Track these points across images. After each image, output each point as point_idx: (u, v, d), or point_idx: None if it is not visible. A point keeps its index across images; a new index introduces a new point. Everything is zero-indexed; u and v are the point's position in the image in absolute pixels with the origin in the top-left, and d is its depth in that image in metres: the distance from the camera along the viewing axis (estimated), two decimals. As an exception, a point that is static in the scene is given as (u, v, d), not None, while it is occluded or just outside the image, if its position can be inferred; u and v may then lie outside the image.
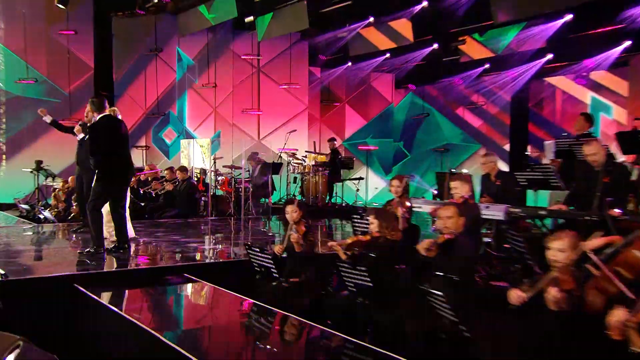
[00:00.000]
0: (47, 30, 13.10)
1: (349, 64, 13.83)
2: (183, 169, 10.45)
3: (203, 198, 10.41)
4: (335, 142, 12.46)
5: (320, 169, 11.35)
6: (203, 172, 10.99)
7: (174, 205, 9.93)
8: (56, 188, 11.53)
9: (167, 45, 13.99)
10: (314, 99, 14.38)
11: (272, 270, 4.68)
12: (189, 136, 13.71)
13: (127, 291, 4.78)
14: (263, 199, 10.90)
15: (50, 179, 11.69)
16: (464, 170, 10.83)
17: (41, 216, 9.61)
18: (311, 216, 9.81)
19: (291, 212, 4.83)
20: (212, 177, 10.85)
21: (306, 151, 12.16)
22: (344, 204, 11.70)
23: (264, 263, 4.76)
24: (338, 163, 11.99)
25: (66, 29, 13.05)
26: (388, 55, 12.74)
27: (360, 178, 12.35)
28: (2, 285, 4.24)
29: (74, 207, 9.41)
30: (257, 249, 4.82)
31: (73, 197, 9.68)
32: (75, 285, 4.45)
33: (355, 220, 5.53)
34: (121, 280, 4.94)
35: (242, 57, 13.57)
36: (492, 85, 12.68)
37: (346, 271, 4.20)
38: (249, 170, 10.99)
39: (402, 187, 5.54)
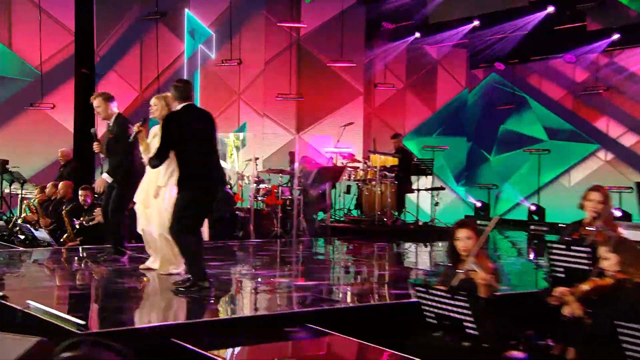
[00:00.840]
0: None
1: (417, 35, 13.48)
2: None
3: (239, 213, 10.11)
4: (401, 139, 11.99)
5: (389, 175, 10.77)
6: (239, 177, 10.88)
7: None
8: (28, 198, 11.20)
9: (172, 8, 13.61)
10: (366, 83, 14.14)
11: (467, 324, 3.97)
12: None
13: (236, 348, 4.72)
14: (320, 214, 10.58)
15: (17, 184, 11.53)
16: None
17: (21, 236, 9.27)
18: (380, 238, 9.98)
19: (465, 239, 4.43)
20: (249, 186, 10.60)
21: (370, 151, 11.56)
22: (421, 223, 11.26)
23: (451, 313, 4.03)
24: (410, 167, 11.48)
25: None
26: (477, 23, 12.37)
27: (441, 188, 11.91)
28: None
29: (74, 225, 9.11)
30: (441, 291, 4.09)
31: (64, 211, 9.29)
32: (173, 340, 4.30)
33: (559, 251, 4.86)
34: (225, 331, 4.76)
35: (278, 24, 13.19)
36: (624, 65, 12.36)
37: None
38: (301, 177, 10.57)
39: (603, 203, 5.20)
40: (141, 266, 6.93)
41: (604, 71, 13.19)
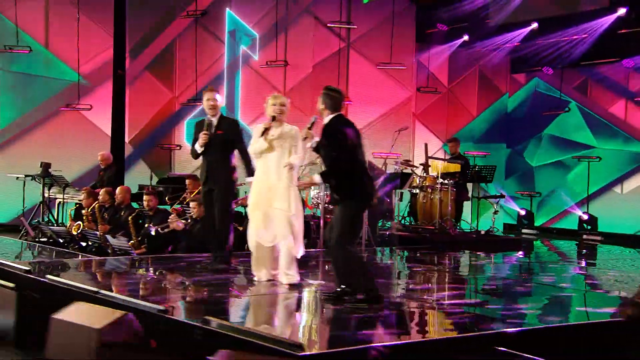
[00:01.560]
0: None
1: (465, 38, 13.35)
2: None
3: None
4: (459, 144, 11.74)
5: (448, 182, 10.41)
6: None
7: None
8: (69, 202, 11.35)
9: (212, 6, 13.36)
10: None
11: None
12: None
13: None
14: (388, 223, 10.33)
15: (57, 188, 11.48)
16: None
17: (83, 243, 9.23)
18: (448, 248, 9.92)
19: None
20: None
21: (430, 157, 11.18)
22: (482, 232, 10.97)
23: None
24: (468, 174, 11.16)
25: None
26: (535, 26, 12.20)
27: (501, 196, 11.65)
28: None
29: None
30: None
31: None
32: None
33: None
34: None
35: (329, 25, 13.04)
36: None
37: None
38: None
39: None
40: (257, 275, 6.74)
41: None
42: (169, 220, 8.77)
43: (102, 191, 10.24)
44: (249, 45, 13.55)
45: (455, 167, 10.92)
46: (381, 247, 9.74)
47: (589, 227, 12.25)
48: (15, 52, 12.36)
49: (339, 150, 5.54)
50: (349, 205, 5.62)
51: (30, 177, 11.55)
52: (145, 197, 9.45)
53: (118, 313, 4.37)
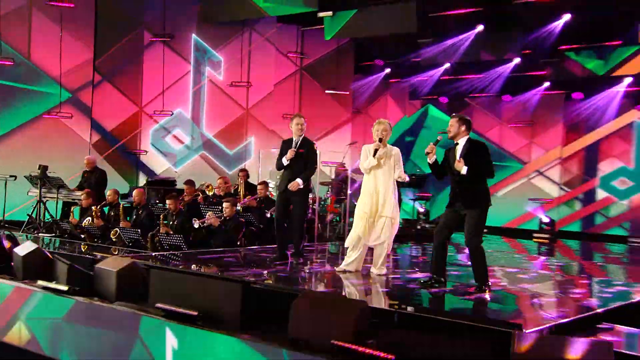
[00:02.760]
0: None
1: (387, 70, 15.19)
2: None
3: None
4: None
5: None
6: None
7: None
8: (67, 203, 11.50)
9: (178, 31, 14.02)
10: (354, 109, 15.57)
11: None
12: (207, 141, 14.23)
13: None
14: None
15: (55, 190, 11.45)
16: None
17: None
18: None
19: None
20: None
21: None
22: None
23: None
24: None
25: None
26: (448, 65, 14.19)
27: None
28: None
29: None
30: None
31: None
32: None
33: None
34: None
35: (288, 54, 14.20)
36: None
37: None
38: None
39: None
40: (337, 268, 7.42)
41: (530, 109, 15.16)
42: (207, 216, 9.44)
43: (110, 191, 10.72)
44: (214, 67, 14.20)
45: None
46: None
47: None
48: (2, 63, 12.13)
49: (490, 162, 6.41)
50: (482, 211, 6.30)
51: (29, 178, 11.45)
52: (169, 202, 9.83)
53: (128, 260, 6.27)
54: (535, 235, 14.43)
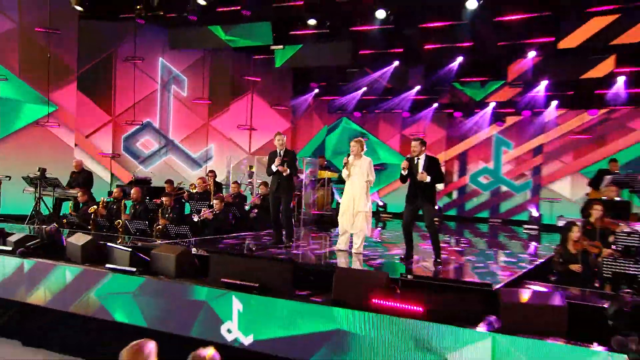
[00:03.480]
0: (21, 24, 12.09)
1: (316, 90, 15.78)
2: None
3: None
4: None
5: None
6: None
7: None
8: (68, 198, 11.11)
9: (148, 55, 13.98)
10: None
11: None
12: (174, 147, 14.21)
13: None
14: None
15: (51, 188, 11.14)
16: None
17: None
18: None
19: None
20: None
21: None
22: None
23: None
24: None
25: (47, 27, 12.25)
26: (365, 89, 14.91)
27: None
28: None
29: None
30: None
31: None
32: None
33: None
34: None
35: (242, 77, 14.50)
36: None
37: None
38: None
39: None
40: (336, 247, 8.04)
41: (423, 124, 16.02)
42: (202, 211, 9.77)
43: (115, 190, 10.72)
44: (179, 85, 14.27)
45: (332, 174, 13.00)
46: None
47: (382, 209, 15.12)
48: None
49: (442, 173, 7.29)
50: (434, 205, 7.34)
51: (29, 179, 11.13)
52: (165, 199, 9.90)
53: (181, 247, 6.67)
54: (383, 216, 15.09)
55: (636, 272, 6.33)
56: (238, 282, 5.90)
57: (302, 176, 11.82)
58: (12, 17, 11.83)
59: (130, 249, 6.91)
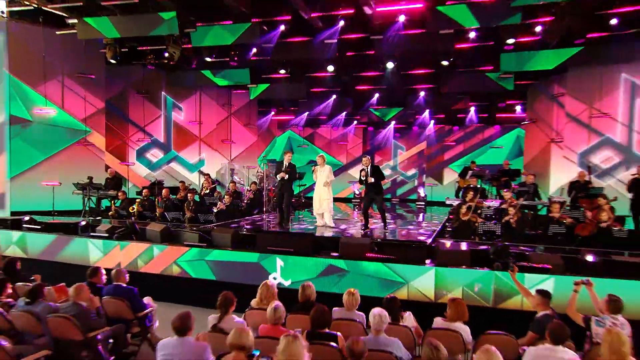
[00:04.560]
0: (63, 71, 12.06)
1: (273, 112, 16.77)
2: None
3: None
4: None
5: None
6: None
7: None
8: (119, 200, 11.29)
9: (153, 90, 14.28)
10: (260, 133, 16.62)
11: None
12: (175, 156, 14.61)
13: None
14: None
15: (94, 192, 11.27)
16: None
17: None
18: None
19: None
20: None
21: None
22: None
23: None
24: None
25: (82, 73, 12.30)
26: (307, 112, 16.28)
27: None
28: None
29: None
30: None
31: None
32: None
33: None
34: None
35: (223, 105, 15.05)
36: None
37: None
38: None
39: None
40: (317, 224, 9.02)
41: (347, 136, 17.55)
42: (218, 204, 10.57)
43: (144, 191, 11.16)
44: (177, 111, 14.62)
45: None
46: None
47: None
48: (46, 112, 11.71)
49: (382, 174, 8.36)
50: (383, 194, 8.52)
51: (79, 185, 11.03)
52: (190, 195, 10.51)
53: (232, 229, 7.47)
54: (353, 200, 16.34)
55: (494, 230, 8.39)
56: (282, 248, 7.16)
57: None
58: (57, 66, 11.82)
59: (198, 231, 7.97)
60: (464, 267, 6.42)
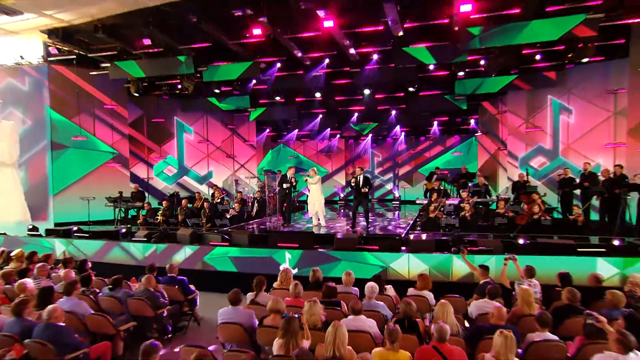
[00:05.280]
0: (94, 104, 12.81)
1: (268, 130, 17.69)
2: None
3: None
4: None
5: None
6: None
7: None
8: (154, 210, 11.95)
9: (166, 116, 15.03)
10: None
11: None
12: (187, 170, 15.29)
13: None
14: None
15: (123, 204, 11.90)
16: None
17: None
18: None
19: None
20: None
21: None
22: None
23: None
24: None
25: (109, 105, 13.07)
26: (297, 131, 17.38)
27: None
28: None
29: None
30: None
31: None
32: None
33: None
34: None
35: (228, 126, 15.86)
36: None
37: None
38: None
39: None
40: (313, 222, 9.86)
41: (332, 148, 18.31)
42: (231, 211, 11.38)
43: (164, 203, 11.83)
44: (188, 133, 15.32)
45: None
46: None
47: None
48: (81, 139, 12.39)
49: (371, 184, 9.07)
50: (368, 200, 9.27)
51: (109, 199, 11.49)
52: (205, 204, 11.15)
53: (247, 231, 8.64)
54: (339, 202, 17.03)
55: (454, 223, 9.43)
56: (289, 244, 8.14)
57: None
58: (89, 100, 12.48)
59: (220, 234, 8.98)
60: (431, 252, 7.64)
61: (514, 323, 4.50)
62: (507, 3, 8.04)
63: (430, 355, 3.53)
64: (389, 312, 5.26)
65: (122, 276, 6.05)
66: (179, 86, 13.03)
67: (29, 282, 5.37)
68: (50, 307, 4.37)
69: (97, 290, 6.02)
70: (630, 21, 8.30)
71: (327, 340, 3.64)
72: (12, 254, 6.99)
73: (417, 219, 10.58)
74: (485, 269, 5.88)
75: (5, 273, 6.00)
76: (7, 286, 5.70)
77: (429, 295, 5.61)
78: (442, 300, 4.45)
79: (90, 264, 7.05)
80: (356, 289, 5.88)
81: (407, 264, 7.57)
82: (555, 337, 4.00)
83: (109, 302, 5.76)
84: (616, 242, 7.16)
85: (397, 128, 17.19)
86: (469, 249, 7.39)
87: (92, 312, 5.20)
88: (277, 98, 14.39)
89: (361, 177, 9.23)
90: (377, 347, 3.91)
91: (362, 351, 3.93)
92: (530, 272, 5.51)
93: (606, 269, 6.61)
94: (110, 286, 5.87)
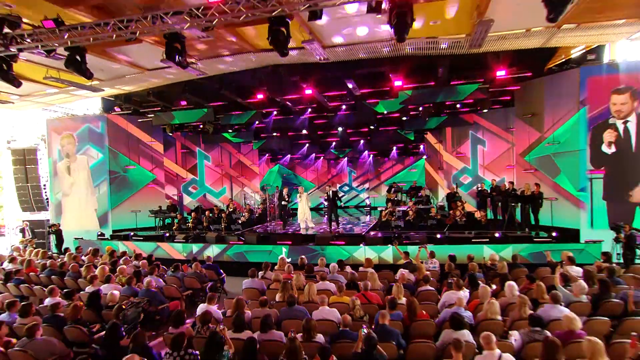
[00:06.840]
0: (139, 141, 14.26)
1: (268, 154, 19.52)
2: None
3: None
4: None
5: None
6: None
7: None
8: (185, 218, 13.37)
9: (191, 148, 16.67)
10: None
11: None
12: (204, 189, 16.72)
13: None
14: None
15: (161, 215, 13.16)
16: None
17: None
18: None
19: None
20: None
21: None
22: None
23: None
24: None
25: (150, 142, 14.56)
26: (289, 156, 19.51)
27: None
28: None
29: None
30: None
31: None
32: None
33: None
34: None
35: (238, 154, 17.58)
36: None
37: None
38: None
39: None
40: (301, 226, 10.96)
41: (318, 165, 20.18)
42: (241, 218, 13.12)
43: (192, 214, 13.63)
44: (207, 159, 16.75)
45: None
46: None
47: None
48: (129, 167, 13.66)
49: (339, 196, 10.98)
50: (337, 206, 11.05)
51: (152, 212, 12.75)
52: (223, 214, 12.84)
53: (256, 233, 9.96)
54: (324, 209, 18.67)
55: (400, 224, 11.38)
56: (284, 242, 10.01)
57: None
58: (136, 138, 13.68)
59: (235, 235, 10.97)
60: (378, 245, 9.75)
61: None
62: (425, 78, 10.55)
63: (359, 297, 5.81)
64: (344, 280, 7.55)
65: (179, 263, 8.26)
66: (201, 126, 15.15)
67: (124, 267, 7.60)
68: (146, 279, 6.62)
69: (164, 272, 8.24)
70: (508, 88, 10.90)
71: (304, 293, 5.91)
72: (103, 252, 9.01)
73: (377, 222, 12.70)
74: (406, 254, 8.17)
75: (103, 263, 8.21)
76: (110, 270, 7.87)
77: (373, 272, 7.87)
78: (371, 270, 6.70)
79: (154, 257, 9.21)
80: (327, 268, 8.11)
81: (364, 253, 9.58)
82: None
83: (173, 279, 7.99)
84: (497, 235, 9.48)
85: (366, 152, 19.16)
86: (404, 242, 9.62)
87: (165, 284, 7.43)
88: (274, 133, 16.45)
89: (331, 191, 10.93)
90: (333, 296, 6.15)
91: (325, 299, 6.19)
92: (432, 255, 7.78)
93: (487, 252, 8.89)
94: (172, 269, 8.10)
